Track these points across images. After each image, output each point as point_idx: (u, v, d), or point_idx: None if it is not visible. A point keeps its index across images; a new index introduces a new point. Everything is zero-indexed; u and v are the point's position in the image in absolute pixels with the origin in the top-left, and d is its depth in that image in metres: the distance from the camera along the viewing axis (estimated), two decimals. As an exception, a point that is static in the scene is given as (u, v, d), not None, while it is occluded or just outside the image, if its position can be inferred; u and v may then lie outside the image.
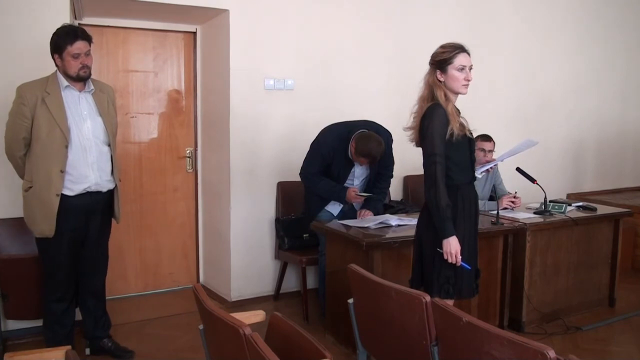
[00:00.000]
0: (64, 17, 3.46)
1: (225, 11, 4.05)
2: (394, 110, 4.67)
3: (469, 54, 2.63)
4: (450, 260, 2.54)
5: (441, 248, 2.55)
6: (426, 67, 2.69)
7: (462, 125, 2.59)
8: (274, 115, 4.26)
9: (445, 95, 2.59)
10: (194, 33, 4.51)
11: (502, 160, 3.70)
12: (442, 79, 2.60)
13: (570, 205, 4.17)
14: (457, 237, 2.55)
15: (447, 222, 2.53)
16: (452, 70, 2.58)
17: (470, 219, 2.69)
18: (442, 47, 2.63)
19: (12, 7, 3.42)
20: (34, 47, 3.38)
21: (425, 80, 2.66)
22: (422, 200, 4.78)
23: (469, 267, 2.60)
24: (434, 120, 2.53)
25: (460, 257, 2.55)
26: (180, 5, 3.85)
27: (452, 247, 2.52)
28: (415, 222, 3.46)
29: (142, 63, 4.40)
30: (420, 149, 2.68)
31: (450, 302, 2.47)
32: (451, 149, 2.56)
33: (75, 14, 3.85)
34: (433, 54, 2.65)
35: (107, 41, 4.24)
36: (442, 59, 2.59)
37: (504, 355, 1.73)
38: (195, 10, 3.99)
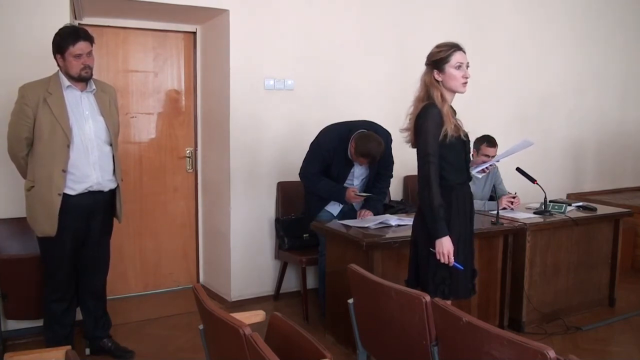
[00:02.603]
0: (64, 17, 3.46)
1: (225, 11, 4.05)
2: (394, 110, 4.67)
3: (464, 52, 2.62)
4: (442, 261, 2.53)
5: (434, 248, 2.54)
6: (424, 68, 2.69)
7: (456, 127, 2.57)
8: (274, 115, 4.26)
9: (442, 96, 2.58)
10: (194, 33, 4.51)
11: (498, 161, 3.70)
12: (439, 79, 2.59)
13: (570, 205, 4.17)
14: (451, 237, 2.54)
15: (439, 222, 2.52)
16: (449, 68, 2.57)
17: (465, 220, 2.68)
18: (438, 46, 2.62)
19: (12, 8, 3.42)
20: (34, 48, 3.39)
21: (422, 81, 2.64)
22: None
23: (462, 268, 2.59)
24: (427, 120, 2.53)
25: (454, 258, 2.54)
26: (180, 5, 3.86)
27: (444, 247, 2.52)
28: (415, 222, 3.48)
29: (142, 63, 4.40)
30: (414, 149, 2.68)
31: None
32: (445, 149, 2.56)
33: (75, 14, 3.85)
34: (429, 54, 2.64)
35: (107, 41, 4.24)
36: (438, 58, 2.58)
37: (504, 355, 1.73)
38: (195, 10, 3.99)
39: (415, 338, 2.12)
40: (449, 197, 2.59)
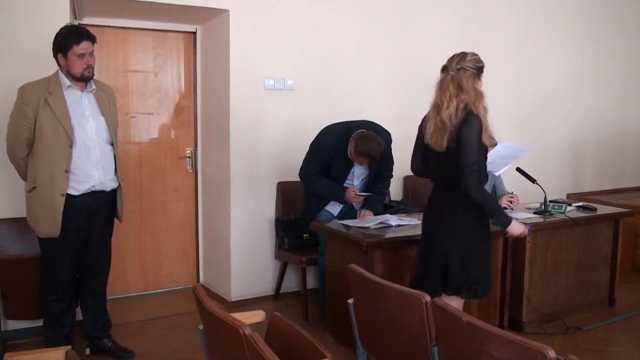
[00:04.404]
0: (64, 17, 3.46)
1: (225, 11, 4.05)
2: (394, 110, 4.68)
3: None
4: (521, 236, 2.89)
5: (480, 245, 2.76)
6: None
7: (490, 137, 2.69)
8: (274, 115, 4.26)
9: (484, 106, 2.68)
10: (194, 33, 4.51)
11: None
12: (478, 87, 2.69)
13: (570, 205, 4.17)
14: (488, 233, 2.83)
15: (503, 213, 2.80)
16: (482, 78, 2.72)
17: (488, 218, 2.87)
18: (475, 54, 2.70)
19: (12, 8, 3.42)
20: (33, 47, 3.39)
21: (467, 86, 2.65)
22: (421, 201, 4.77)
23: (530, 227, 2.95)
24: (475, 129, 2.61)
25: (486, 255, 2.81)
26: (180, 5, 3.86)
27: (517, 230, 2.81)
28: (415, 222, 3.52)
29: (142, 63, 4.40)
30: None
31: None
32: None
33: (75, 14, 3.85)
34: (472, 60, 2.67)
35: (107, 41, 4.24)
36: (482, 67, 2.70)
37: (504, 355, 1.73)
38: (195, 10, 4.00)
39: (415, 338, 2.12)
40: None
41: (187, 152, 4.60)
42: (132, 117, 4.39)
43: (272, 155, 4.30)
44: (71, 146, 2.97)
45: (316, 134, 3.84)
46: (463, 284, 2.71)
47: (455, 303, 2.68)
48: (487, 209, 2.71)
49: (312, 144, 3.83)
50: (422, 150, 2.86)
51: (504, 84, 5.33)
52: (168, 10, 3.97)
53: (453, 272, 2.71)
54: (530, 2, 5.45)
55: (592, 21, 5.89)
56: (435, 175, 2.87)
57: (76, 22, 3.86)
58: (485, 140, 2.64)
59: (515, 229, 2.81)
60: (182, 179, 4.62)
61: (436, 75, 2.76)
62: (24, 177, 3.09)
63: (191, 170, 4.63)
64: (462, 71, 2.64)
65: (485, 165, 2.78)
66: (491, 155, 2.97)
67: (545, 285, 3.89)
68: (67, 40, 2.95)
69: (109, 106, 3.18)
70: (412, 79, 4.68)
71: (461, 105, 2.63)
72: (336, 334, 3.53)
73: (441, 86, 2.69)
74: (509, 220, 2.79)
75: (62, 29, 3.00)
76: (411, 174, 4.74)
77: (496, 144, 2.96)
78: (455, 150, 2.63)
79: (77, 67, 2.97)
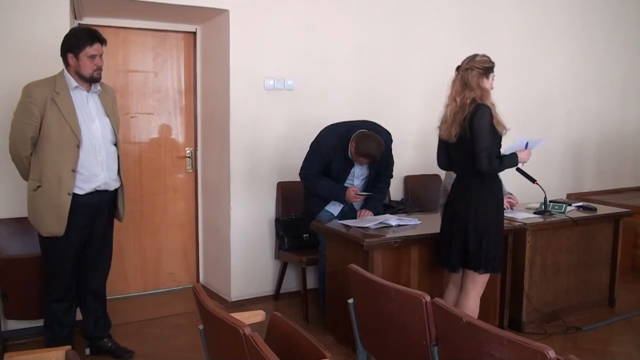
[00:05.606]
0: (64, 17, 3.46)
1: (225, 11, 4.05)
2: (393, 110, 4.68)
3: None
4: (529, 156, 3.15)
5: (494, 226, 3.02)
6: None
7: (502, 125, 2.95)
8: (274, 115, 4.26)
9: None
10: (194, 33, 4.51)
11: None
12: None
13: (570, 205, 4.17)
14: (502, 216, 3.08)
15: (513, 160, 3.04)
16: (491, 78, 3.00)
17: (502, 201, 3.15)
18: (485, 56, 2.99)
19: (12, 8, 3.42)
20: (34, 47, 3.38)
21: (473, 84, 2.94)
22: (421, 200, 4.77)
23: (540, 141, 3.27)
24: (485, 119, 2.89)
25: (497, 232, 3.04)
26: (180, 5, 3.86)
27: (525, 158, 3.11)
28: (415, 222, 3.54)
29: (142, 63, 4.40)
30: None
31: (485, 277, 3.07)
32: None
33: (75, 13, 3.85)
34: (480, 60, 2.97)
35: (107, 41, 4.20)
36: (490, 67, 2.99)
37: (504, 355, 1.73)
38: (195, 10, 4.00)
39: (415, 338, 2.12)
40: (495, 180, 3.05)
41: (187, 152, 4.60)
42: (132, 117, 4.39)
43: (272, 155, 4.30)
44: (78, 146, 2.97)
45: (316, 134, 3.84)
46: (482, 260, 2.99)
47: (477, 279, 3.04)
48: (503, 167, 3.01)
49: (312, 144, 3.83)
50: (444, 145, 3.12)
51: (504, 84, 5.29)
52: (168, 10, 3.97)
53: (473, 252, 2.99)
54: (531, 3, 5.44)
55: (592, 21, 5.89)
56: (456, 166, 3.17)
57: (76, 22, 3.87)
58: (499, 128, 2.92)
59: (525, 155, 3.11)
60: (182, 179, 4.62)
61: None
62: (25, 176, 3.08)
63: (191, 170, 4.63)
64: (469, 70, 2.95)
65: (499, 150, 3.01)
66: (507, 149, 3.14)
67: (545, 285, 3.90)
68: (81, 41, 2.97)
69: (112, 107, 3.21)
70: (413, 79, 4.69)
71: (468, 101, 2.92)
72: (336, 334, 3.53)
73: (451, 84, 3.02)
74: (516, 157, 3.07)
75: (75, 29, 3.02)
76: (411, 174, 4.79)
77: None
78: (468, 139, 2.91)
79: (88, 68, 2.99)
